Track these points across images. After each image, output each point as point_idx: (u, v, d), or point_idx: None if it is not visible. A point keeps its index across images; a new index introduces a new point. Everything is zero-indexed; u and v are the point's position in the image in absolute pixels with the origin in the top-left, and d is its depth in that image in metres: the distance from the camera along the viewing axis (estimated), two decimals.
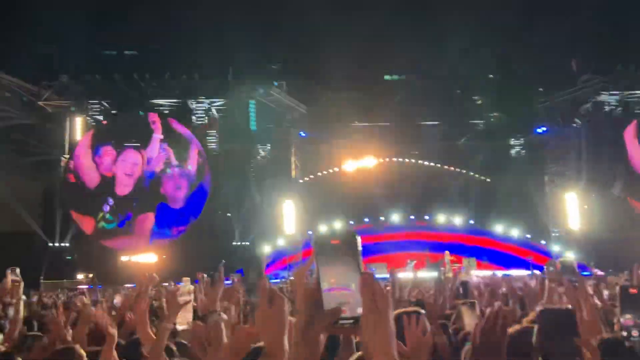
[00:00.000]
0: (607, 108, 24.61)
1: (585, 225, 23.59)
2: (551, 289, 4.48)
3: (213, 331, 1.88)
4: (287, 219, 24.01)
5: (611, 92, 24.16)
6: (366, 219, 25.71)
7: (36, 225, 24.85)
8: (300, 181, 25.50)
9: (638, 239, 22.16)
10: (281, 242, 24.51)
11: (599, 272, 15.36)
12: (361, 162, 26.48)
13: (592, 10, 21.35)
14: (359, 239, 1.11)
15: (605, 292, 6.25)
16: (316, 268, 1.10)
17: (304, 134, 26.00)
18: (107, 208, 23.18)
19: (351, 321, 1.08)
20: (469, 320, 3.29)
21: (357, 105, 24.65)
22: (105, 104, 24.33)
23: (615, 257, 17.97)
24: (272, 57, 24.91)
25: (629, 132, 23.37)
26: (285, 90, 24.21)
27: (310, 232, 25.05)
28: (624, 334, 1.93)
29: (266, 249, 24.23)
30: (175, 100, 24.17)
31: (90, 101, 24.18)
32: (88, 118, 24.38)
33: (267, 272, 21.67)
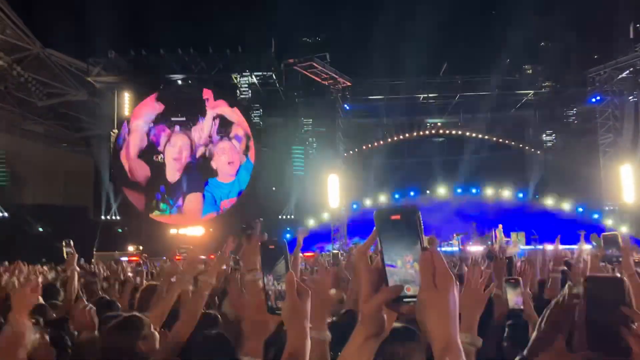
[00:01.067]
0: None
1: (639, 198, 22.77)
2: (594, 264, 4.33)
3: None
4: (332, 193, 23.97)
5: None
6: (412, 193, 25.49)
7: (88, 199, 25.60)
8: (345, 155, 25.34)
9: None
10: (326, 216, 24.57)
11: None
12: (406, 135, 26.13)
13: None
14: (419, 214, 1.05)
15: None
16: (379, 244, 1.08)
17: (348, 107, 25.73)
18: (159, 196, 23.66)
19: (415, 299, 1.05)
20: (511, 297, 3.23)
21: (401, 77, 24.21)
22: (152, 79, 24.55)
23: None
24: (316, 29, 24.66)
25: None
26: (329, 63, 23.90)
27: (355, 206, 25.04)
28: None
29: (311, 223, 24.34)
30: (219, 75, 24.19)
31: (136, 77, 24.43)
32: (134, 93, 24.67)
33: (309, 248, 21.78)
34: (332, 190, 24.03)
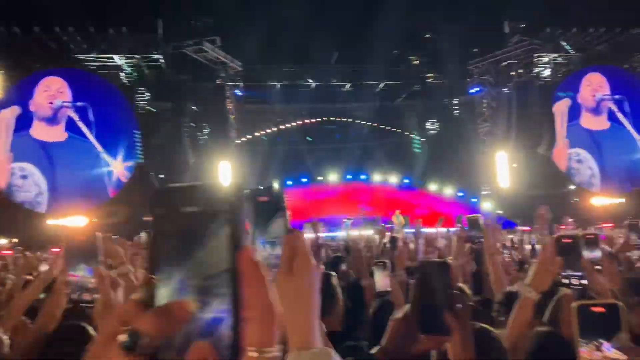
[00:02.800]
0: (535, 70, 25.45)
1: (513, 183, 24.56)
2: (458, 244, 4.60)
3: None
4: (223, 181, 23.51)
5: (540, 55, 24.91)
6: (304, 179, 25.71)
7: None
8: (237, 141, 24.99)
9: (561, 195, 23.44)
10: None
11: (524, 228, 16.09)
12: (298, 122, 26.30)
13: None
14: (285, 197, 1.06)
15: (538, 246, 6.52)
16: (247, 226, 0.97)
17: (240, 93, 25.36)
18: None
19: None
20: (379, 279, 3.33)
21: (295, 63, 24.27)
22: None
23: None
24: (205, 10, 23.94)
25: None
26: (220, 47, 23.38)
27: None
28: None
29: None
30: (101, 56, 22.82)
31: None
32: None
33: None
34: (223, 177, 23.62)
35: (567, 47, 24.87)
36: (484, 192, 25.78)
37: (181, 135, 23.75)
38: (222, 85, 24.16)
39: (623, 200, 22.07)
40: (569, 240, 2.10)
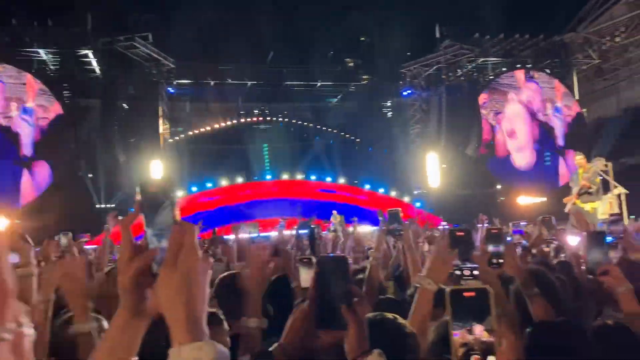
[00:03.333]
0: (464, 73, 26.39)
1: (443, 183, 25.37)
2: (380, 237, 4.75)
3: None
4: (160, 176, 22.99)
5: (469, 58, 25.87)
6: (239, 179, 25.45)
7: None
8: (171, 140, 24.46)
9: (488, 195, 24.45)
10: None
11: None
12: (234, 121, 26.04)
13: None
14: (174, 188, 1.09)
15: None
16: (140, 216, 1.07)
17: (172, 90, 24.83)
18: None
19: None
20: (305, 276, 3.37)
21: (228, 62, 24.03)
22: None
23: (467, 211, 19.51)
24: (137, 6, 23.31)
25: (482, 99, 25.29)
26: (152, 43, 22.80)
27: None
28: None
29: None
30: (25, 50, 21.74)
31: None
32: None
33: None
34: (155, 176, 23.03)
35: (495, 52, 25.96)
36: (415, 192, 26.47)
37: (111, 134, 22.99)
38: (155, 83, 23.58)
39: (544, 199, 23.24)
40: (462, 234, 2.23)
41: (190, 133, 25.59)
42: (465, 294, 1.39)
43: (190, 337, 0.93)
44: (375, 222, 22.58)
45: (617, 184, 11.76)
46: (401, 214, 4.79)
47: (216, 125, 25.80)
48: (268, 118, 26.57)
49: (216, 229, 16.33)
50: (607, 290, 2.48)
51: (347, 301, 1.41)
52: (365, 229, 15.28)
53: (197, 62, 24.38)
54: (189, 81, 24.95)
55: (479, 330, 1.33)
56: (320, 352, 1.55)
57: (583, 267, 3.17)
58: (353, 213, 22.46)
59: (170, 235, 0.99)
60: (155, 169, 22.89)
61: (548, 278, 2.93)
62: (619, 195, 11.59)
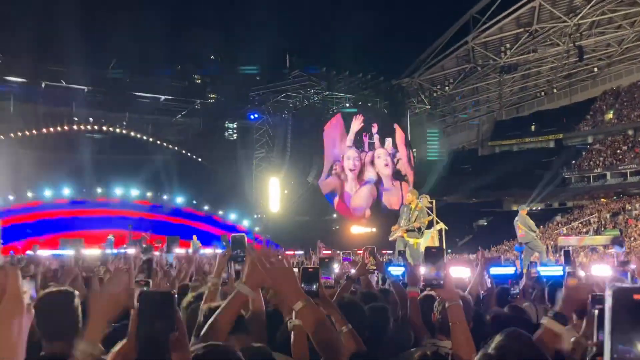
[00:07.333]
0: (311, 103, 27.33)
1: (283, 209, 25.76)
2: (221, 262, 4.64)
3: None
4: None
5: (316, 90, 26.87)
6: (66, 190, 23.29)
7: None
8: None
9: (324, 222, 25.34)
10: None
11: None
12: (64, 127, 23.92)
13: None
14: None
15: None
16: None
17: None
18: None
19: None
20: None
21: (58, 62, 22.19)
22: None
23: (303, 237, 19.96)
24: None
25: (329, 126, 26.11)
26: None
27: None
28: None
29: None
30: None
31: None
32: None
33: None
34: None
35: (339, 87, 27.27)
36: (256, 216, 26.51)
37: None
38: None
39: (374, 229, 24.64)
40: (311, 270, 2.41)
41: (12, 135, 22.98)
42: None
43: None
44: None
45: (439, 220, 12.72)
46: (246, 240, 4.67)
47: (44, 130, 23.50)
48: (104, 128, 24.81)
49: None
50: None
51: (168, 335, 1.37)
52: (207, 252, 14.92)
53: (29, 59, 22.14)
54: (17, 79, 22.54)
55: None
56: None
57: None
58: (191, 235, 21.87)
59: None
60: None
61: (361, 310, 3.01)
62: (440, 231, 12.53)
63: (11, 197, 22.04)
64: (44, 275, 5.67)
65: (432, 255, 2.31)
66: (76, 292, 2.90)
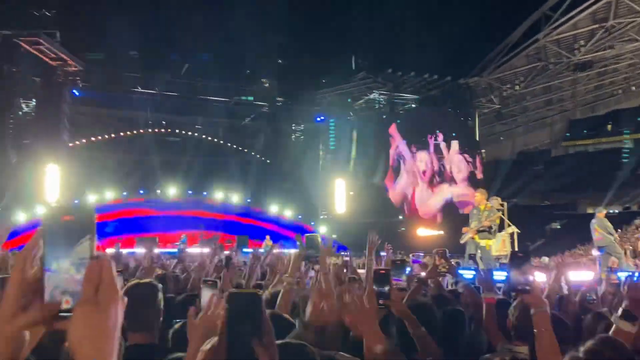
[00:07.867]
0: (376, 105, 27.32)
1: (349, 210, 25.85)
2: (295, 262, 4.73)
3: None
4: (50, 186, 21.61)
5: (381, 92, 26.83)
6: (141, 191, 24.53)
7: None
8: (70, 145, 23.17)
9: (390, 224, 25.20)
10: (41, 211, 21.99)
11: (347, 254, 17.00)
12: (140, 131, 25.12)
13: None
14: (95, 217, 0.92)
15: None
16: (41, 248, 0.90)
17: (78, 93, 23.62)
18: None
19: (71, 314, 0.88)
20: (206, 297, 3.26)
21: (139, 69, 23.30)
22: None
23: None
24: (46, 2, 22.08)
25: (392, 130, 26.20)
26: (59, 41, 21.63)
27: (76, 202, 23.01)
28: None
29: (20, 217, 21.53)
30: None
31: None
32: None
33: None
34: (50, 182, 21.69)
35: (405, 88, 27.09)
36: (321, 216, 26.76)
37: (4, 132, 21.43)
38: (59, 83, 22.34)
39: (442, 232, 24.27)
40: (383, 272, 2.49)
41: (93, 139, 24.38)
42: None
43: None
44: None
45: (510, 223, 12.40)
46: (320, 240, 4.76)
47: (122, 134, 24.79)
48: (177, 131, 25.91)
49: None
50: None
51: (259, 336, 1.40)
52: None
53: (107, 67, 23.42)
54: (98, 85, 23.87)
55: None
56: None
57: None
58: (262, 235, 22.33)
59: (87, 269, 0.89)
60: (51, 173, 21.59)
61: (433, 313, 2.99)
62: (511, 234, 12.20)
63: (93, 198, 23.39)
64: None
65: (519, 259, 2.25)
66: (160, 286, 3.07)
